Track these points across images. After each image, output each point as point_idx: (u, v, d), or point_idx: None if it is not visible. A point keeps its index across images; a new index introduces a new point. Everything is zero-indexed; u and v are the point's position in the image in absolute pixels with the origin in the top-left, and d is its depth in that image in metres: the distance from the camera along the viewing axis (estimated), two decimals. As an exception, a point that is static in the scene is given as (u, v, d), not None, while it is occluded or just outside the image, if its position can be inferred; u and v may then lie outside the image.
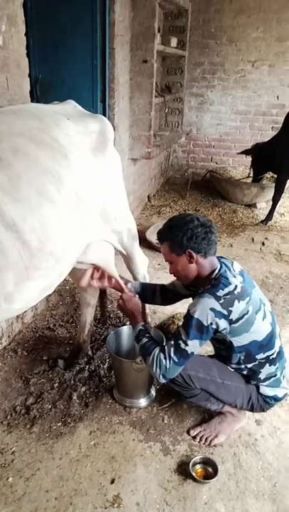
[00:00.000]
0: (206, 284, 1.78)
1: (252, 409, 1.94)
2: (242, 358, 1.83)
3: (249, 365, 1.84)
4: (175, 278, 1.98)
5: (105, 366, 2.40)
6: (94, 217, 1.77)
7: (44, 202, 1.41)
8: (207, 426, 1.99)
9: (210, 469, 1.81)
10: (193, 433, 1.99)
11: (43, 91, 3.32)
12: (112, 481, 1.75)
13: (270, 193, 4.87)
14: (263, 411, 1.97)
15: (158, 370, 1.73)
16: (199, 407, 2.04)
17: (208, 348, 2.29)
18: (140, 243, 2.38)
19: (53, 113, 1.69)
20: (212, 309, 1.68)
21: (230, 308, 1.69)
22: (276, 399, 1.93)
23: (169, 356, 1.72)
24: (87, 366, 2.38)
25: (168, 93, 5.14)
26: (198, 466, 1.81)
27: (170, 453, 1.90)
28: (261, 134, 5.94)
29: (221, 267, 1.81)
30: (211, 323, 1.69)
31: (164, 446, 1.93)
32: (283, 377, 1.93)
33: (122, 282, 2.07)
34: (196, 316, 1.68)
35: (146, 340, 1.81)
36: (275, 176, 4.95)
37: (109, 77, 3.42)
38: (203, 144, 6.27)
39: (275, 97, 5.81)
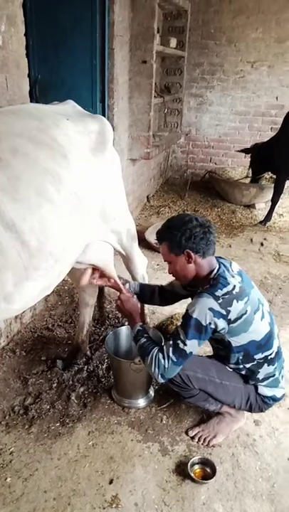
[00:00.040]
0: (205, 284, 1.78)
1: (250, 410, 1.94)
2: (240, 358, 1.83)
3: (247, 365, 1.85)
4: (174, 278, 1.99)
5: (104, 366, 2.40)
6: (93, 217, 1.78)
7: (43, 202, 1.41)
8: (205, 426, 1.99)
9: (208, 470, 1.81)
10: (191, 433, 1.99)
11: (42, 91, 3.32)
12: (111, 482, 1.75)
13: (269, 194, 4.88)
14: (262, 411, 1.97)
15: (156, 369, 1.73)
16: (198, 407, 2.04)
17: (206, 349, 2.30)
18: (139, 243, 2.39)
19: (53, 113, 1.70)
20: (211, 309, 1.68)
21: (228, 308, 1.70)
22: (274, 399, 1.93)
23: (168, 356, 1.72)
24: (86, 366, 2.37)
25: (167, 93, 5.14)
26: (196, 467, 1.82)
27: (168, 453, 1.90)
28: (260, 135, 5.94)
29: (219, 267, 1.81)
30: (210, 323, 1.69)
31: (163, 446, 1.93)
32: (282, 377, 1.93)
33: (120, 283, 2.07)
34: (194, 315, 1.69)
35: (145, 340, 1.81)
36: (274, 176, 4.96)
37: (109, 77, 3.42)
38: (203, 145, 6.27)
39: (274, 97, 5.81)
